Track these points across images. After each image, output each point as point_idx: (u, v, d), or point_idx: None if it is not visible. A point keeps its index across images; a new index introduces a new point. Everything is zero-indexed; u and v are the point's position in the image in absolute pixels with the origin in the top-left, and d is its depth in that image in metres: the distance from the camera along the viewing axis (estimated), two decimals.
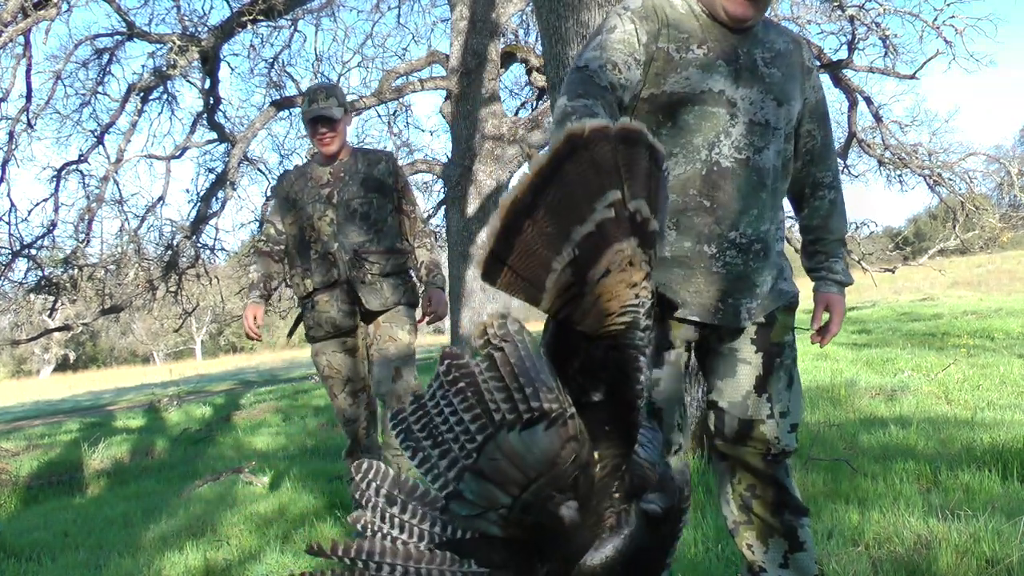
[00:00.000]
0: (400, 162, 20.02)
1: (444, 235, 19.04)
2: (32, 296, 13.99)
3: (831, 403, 7.80)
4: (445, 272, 9.46)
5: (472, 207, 15.62)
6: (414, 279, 5.39)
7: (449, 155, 16.40)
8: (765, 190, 2.78)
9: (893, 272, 18.76)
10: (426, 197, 22.25)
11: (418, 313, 5.30)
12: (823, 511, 4.40)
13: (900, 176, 16.71)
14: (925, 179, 16.51)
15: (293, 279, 5.29)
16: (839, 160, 17.93)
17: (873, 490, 4.68)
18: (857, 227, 17.66)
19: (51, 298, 13.90)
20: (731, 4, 2.70)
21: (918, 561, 3.56)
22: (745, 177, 2.75)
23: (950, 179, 16.67)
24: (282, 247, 5.36)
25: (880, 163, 16.62)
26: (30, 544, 6.38)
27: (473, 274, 15.60)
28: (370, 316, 5.16)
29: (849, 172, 17.61)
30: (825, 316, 3.07)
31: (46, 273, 13.73)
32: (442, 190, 19.69)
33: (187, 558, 5.03)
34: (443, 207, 19.31)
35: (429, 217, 21.81)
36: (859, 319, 18.77)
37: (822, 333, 3.06)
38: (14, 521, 7.88)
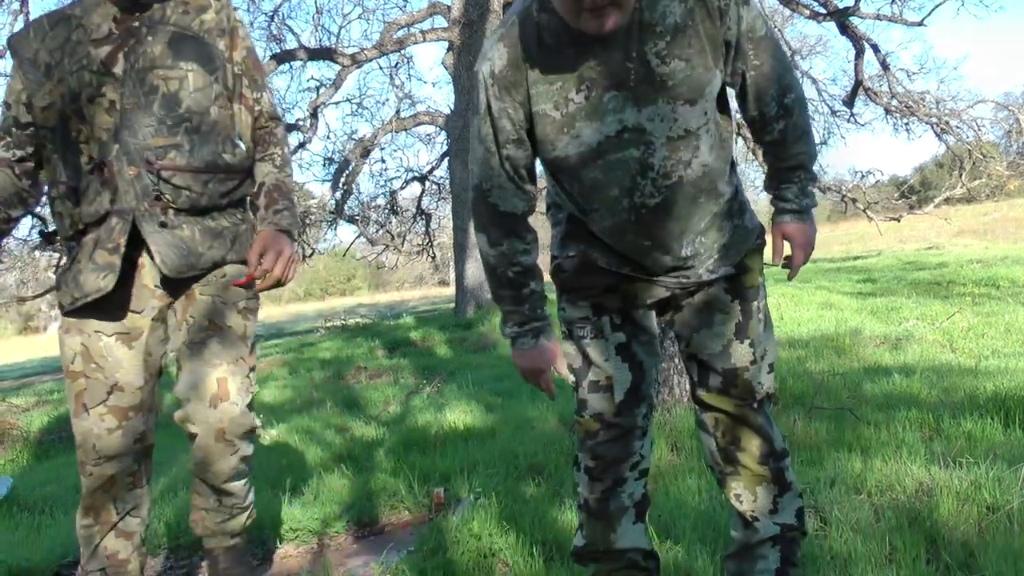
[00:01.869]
0: (403, 115, 20.05)
1: (448, 187, 19.06)
2: (37, 253, 14.00)
3: (835, 352, 7.81)
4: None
5: None
6: (251, 219, 3.33)
7: (452, 107, 16.36)
8: (707, 192, 2.62)
9: (899, 221, 18.78)
10: (429, 149, 22.20)
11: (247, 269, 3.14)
12: (826, 459, 4.42)
13: (907, 124, 16.67)
14: (932, 127, 16.46)
15: (55, 205, 3.15)
16: (846, 108, 17.99)
17: (876, 438, 4.70)
18: (863, 176, 17.63)
19: (55, 255, 13.91)
20: (585, 24, 2.30)
21: (919, 508, 3.59)
22: (681, 199, 2.58)
23: (957, 127, 16.63)
24: (30, 149, 3.21)
25: (887, 111, 16.57)
26: (42, 498, 6.44)
27: None
28: (176, 285, 3.13)
29: (855, 120, 17.56)
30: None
31: (50, 229, 13.73)
32: (445, 142, 19.68)
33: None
34: (446, 159, 19.30)
35: (432, 170, 21.79)
36: (864, 268, 18.75)
37: (788, 265, 2.84)
38: (26, 476, 7.94)
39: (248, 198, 3.32)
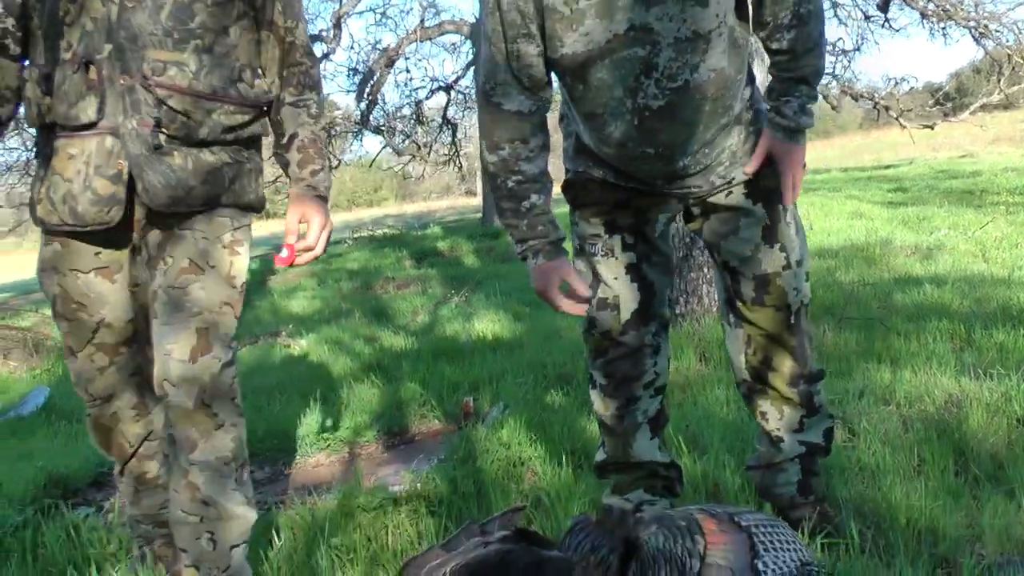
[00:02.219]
0: (427, 24, 19.86)
1: (474, 96, 18.92)
2: None
3: (865, 262, 7.77)
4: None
5: None
6: (258, 161, 2.86)
7: (476, 15, 16.15)
8: (714, 100, 2.53)
9: (932, 129, 18.50)
10: (454, 59, 22.02)
11: (286, 241, 2.75)
12: (855, 370, 4.42)
13: (944, 29, 16.32)
14: (970, 31, 16.11)
15: (25, 89, 2.68)
16: (881, 13, 17.65)
17: (906, 349, 4.69)
18: (896, 83, 17.38)
19: None
20: None
21: (948, 420, 3.58)
22: (686, 105, 2.50)
23: (997, 31, 16.26)
24: (10, 23, 2.64)
25: (923, 16, 16.24)
26: (79, 407, 6.49)
27: None
28: (160, 218, 2.66)
29: (890, 26, 17.23)
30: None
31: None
32: (470, 51, 19.49)
33: None
34: (471, 68, 19.13)
35: (457, 79, 21.66)
36: (895, 177, 18.59)
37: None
38: (62, 385, 8.03)
39: (259, 138, 2.85)
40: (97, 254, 2.67)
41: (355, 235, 19.58)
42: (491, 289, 9.38)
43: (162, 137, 2.55)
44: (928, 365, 4.31)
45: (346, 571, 2.99)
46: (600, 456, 3.04)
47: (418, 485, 3.56)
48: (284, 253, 2.69)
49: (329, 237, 2.79)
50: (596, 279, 2.79)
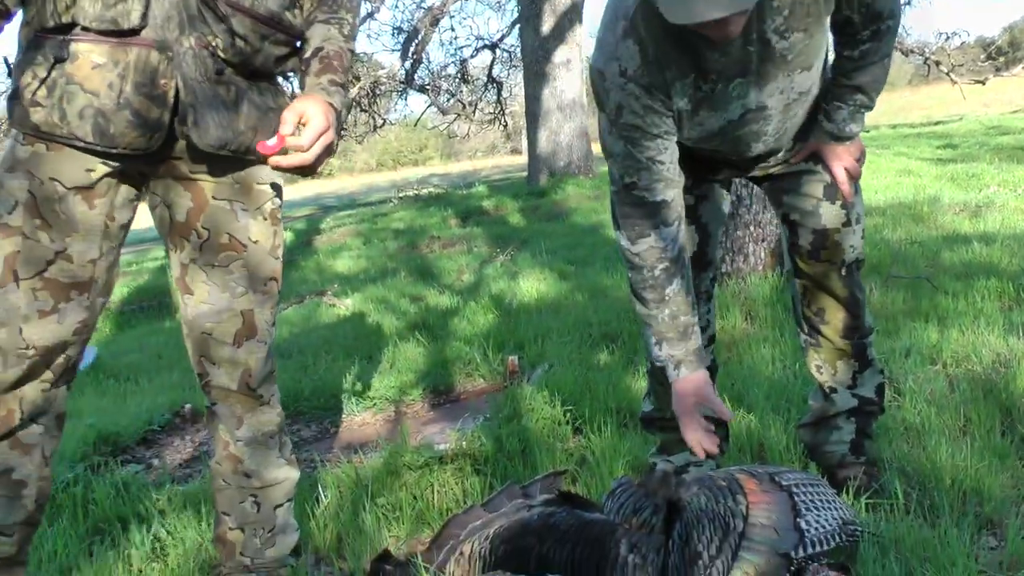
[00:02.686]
0: None
1: (519, 54, 18.85)
2: None
3: (913, 220, 7.69)
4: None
5: (547, 25, 15.39)
6: (286, 105, 2.48)
7: None
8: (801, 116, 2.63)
9: (983, 84, 18.20)
10: (499, 17, 21.88)
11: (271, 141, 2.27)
12: (902, 329, 4.39)
13: None
14: None
15: None
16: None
17: (953, 308, 4.65)
18: (947, 38, 17.11)
19: None
20: (710, 33, 2.20)
21: (995, 380, 3.55)
22: (783, 138, 2.64)
23: None
24: None
25: None
26: (127, 366, 6.62)
27: (549, 92, 15.47)
28: (194, 158, 2.38)
29: None
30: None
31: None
32: (516, 8, 19.39)
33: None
34: (517, 25, 19.03)
35: (502, 38, 21.56)
36: (945, 133, 18.34)
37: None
38: (110, 345, 8.15)
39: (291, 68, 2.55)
40: (89, 170, 2.25)
41: (400, 194, 19.60)
42: (536, 248, 9.37)
43: (227, 70, 2.30)
44: (976, 324, 4.28)
45: (392, 529, 3.03)
46: (647, 407, 3.06)
47: (463, 444, 3.59)
48: (272, 141, 2.25)
49: (329, 152, 2.33)
50: None
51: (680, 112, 2.46)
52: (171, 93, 2.21)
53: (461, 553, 2.56)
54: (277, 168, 2.32)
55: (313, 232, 15.34)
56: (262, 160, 2.32)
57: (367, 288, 8.48)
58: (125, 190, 2.36)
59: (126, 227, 2.41)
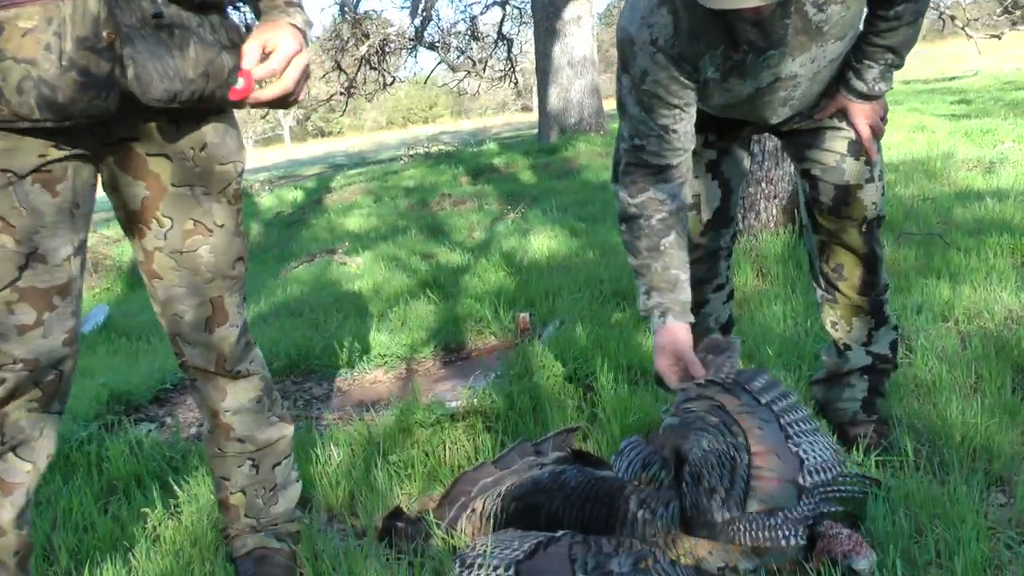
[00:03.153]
0: None
1: (529, 11, 18.74)
2: None
3: (926, 176, 7.66)
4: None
5: None
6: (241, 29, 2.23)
7: None
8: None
9: (999, 39, 18.05)
10: None
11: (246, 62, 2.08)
12: (913, 286, 4.38)
13: None
14: None
15: None
16: None
17: (965, 265, 4.63)
18: None
19: None
20: (745, 15, 2.18)
21: (1007, 336, 3.54)
22: (809, 102, 2.64)
23: None
24: None
25: None
26: (139, 325, 6.64)
27: (560, 49, 15.40)
28: (132, 118, 2.08)
29: None
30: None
31: None
32: None
33: (287, 336, 5.18)
34: None
35: (511, 3, 21.42)
36: (959, 89, 18.20)
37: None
38: (122, 304, 8.17)
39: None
40: (41, 156, 1.95)
41: (411, 152, 19.56)
42: (547, 205, 9.36)
43: (158, 5, 1.95)
44: (988, 281, 4.27)
45: (404, 486, 3.04)
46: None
47: (475, 401, 3.59)
48: (239, 84, 2.05)
49: (305, 76, 2.13)
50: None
51: (708, 81, 2.44)
52: (118, 43, 1.88)
53: (473, 510, 2.58)
54: (257, 105, 2.14)
55: (323, 190, 15.33)
56: (222, 108, 2.18)
57: (378, 246, 8.48)
58: (86, 172, 2.07)
59: (89, 216, 2.13)
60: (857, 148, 2.69)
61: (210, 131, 2.20)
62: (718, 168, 2.81)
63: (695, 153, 2.74)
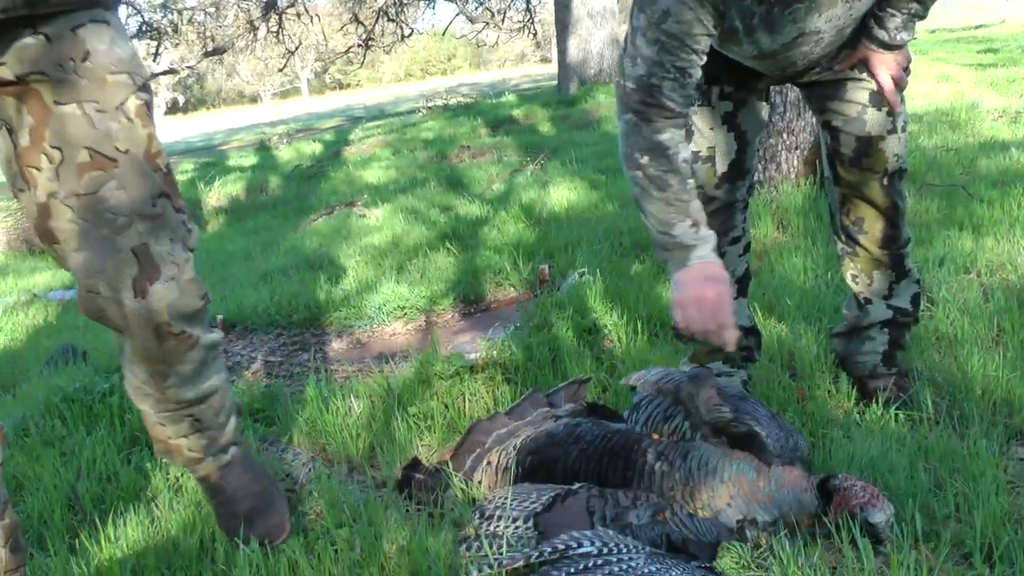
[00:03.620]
0: None
1: None
2: (135, 42, 14.20)
3: (950, 127, 7.58)
4: None
5: None
6: None
7: None
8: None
9: None
10: None
11: None
12: (935, 238, 4.35)
13: None
14: None
15: None
16: None
17: (989, 216, 4.60)
18: None
19: (154, 43, 14.00)
20: None
21: None
22: (830, 54, 2.58)
23: None
24: None
25: None
26: None
27: (579, 0, 15.29)
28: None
29: None
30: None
31: (146, 18, 13.83)
32: None
33: (307, 289, 5.19)
34: None
35: None
36: (986, 38, 17.98)
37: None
38: None
39: None
40: None
41: (429, 104, 19.51)
42: (567, 156, 9.32)
43: None
44: (1011, 233, 4.23)
45: (423, 438, 3.05)
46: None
47: (494, 353, 3.60)
48: (103, 30, 1.98)
49: None
50: (688, 131, 2.67)
51: (731, 31, 2.40)
52: None
53: (488, 463, 2.58)
54: None
55: (342, 143, 15.32)
56: (94, 3, 1.92)
57: (397, 198, 8.48)
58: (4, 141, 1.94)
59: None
60: (879, 99, 2.64)
61: (91, 37, 1.91)
62: (734, 120, 2.77)
63: (710, 105, 2.72)
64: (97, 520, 2.62)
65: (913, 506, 2.14)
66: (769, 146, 5.46)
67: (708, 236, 2.45)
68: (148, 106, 2.03)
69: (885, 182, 2.72)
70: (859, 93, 2.66)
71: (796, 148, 5.45)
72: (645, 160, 2.42)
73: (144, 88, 2.02)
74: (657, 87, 2.37)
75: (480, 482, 2.57)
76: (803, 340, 3.25)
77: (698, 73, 2.40)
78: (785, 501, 2.14)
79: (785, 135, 5.45)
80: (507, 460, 2.54)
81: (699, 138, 2.78)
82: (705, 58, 2.40)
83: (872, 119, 2.66)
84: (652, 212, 2.46)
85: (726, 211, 2.85)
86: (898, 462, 2.35)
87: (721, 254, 2.74)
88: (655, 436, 2.38)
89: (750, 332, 3.01)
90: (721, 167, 2.80)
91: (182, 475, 2.89)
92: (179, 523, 2.56)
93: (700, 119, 2.78)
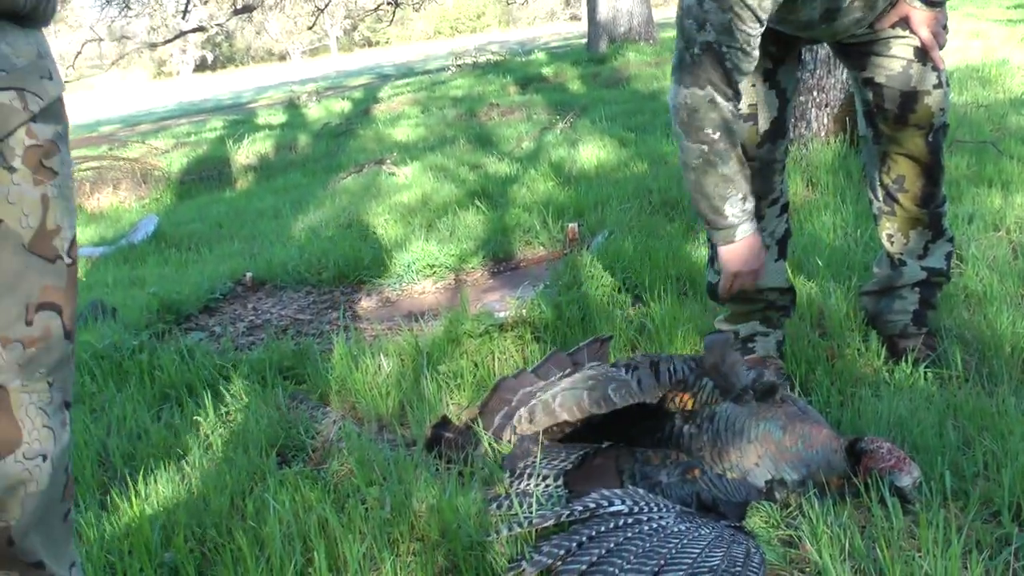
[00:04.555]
0: None
1: None
2: None
3: (980, 83, 7.51)
4: None
5: None
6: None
7: None
8: None
9: None
10: None
11: None
12: (964, 195, 4.32)
13: None
14: None
15: None
16: None
17: (1018, 173, 4.56)
18: None
19: (183, 0, 14.03)
20: None
21: None
22: (873, 16, 2.55)
23: None
24: None
25: None
26: (188, 235, 6.71)
27: None
28: None
29: None
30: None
31: None
32: None
33: (336, 247, 5.21)
34: None
35: None
36: None
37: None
38: (171, 214, 8.24)
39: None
40: None
41: (458, 62, 19.44)
42: (596, 115, 9.29)
43: None
44: None
45: (453, 396, 3.07)
46: (712, 277, 2.94)
47: (523, 311, 3.61)
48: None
49: None
50: None
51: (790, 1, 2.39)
52: None
53: (519, 418, 2.59)
54: None
55: (371, 101, 15.30)
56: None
57: (426, 156, 8.48)
58: None
59: None
60: (923, 54, 2.62)
61: None
62: (774, 77, 2.75)
63: None
64: (127, 477, 2.66)
65: (942, 464, 2.14)
66: (799, 103, 5.42)
67: (752, 209, 2.52)
68: (54, 148, 1.32)
69: (930, 138, 2.70)
70: (903, 48, 2.63)
71: (826, 106, 5.41)
72: (717, 136, 2.44)
73: (50, 117, 1.32)
74: (727, 56, 2.37)
75: (509, 441, 2.59)
76: (833, 298, 3.25)
77: (757, 44, 2.39)
78: (813, 460, 2.15)
79: (815, 92, 5.41)
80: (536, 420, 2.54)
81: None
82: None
83: (917, 73, 2.64)
84: (707, 185, 2.49)
85: (766, 171, 2.82)
86: (927, 420, 2.35)
87: (760, 216, 2.79)
88: (683, 396, 2.39)
89: (786, 291, 2.99)
90: (763, 124, 2.77)
91: (212, 432, 2.92)
92: (209, 480, 2.59)
93: None
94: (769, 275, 2.86)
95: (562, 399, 2.49)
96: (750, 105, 2.74)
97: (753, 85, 2.73)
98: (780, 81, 2.76)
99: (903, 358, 2.78)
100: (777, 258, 2.92)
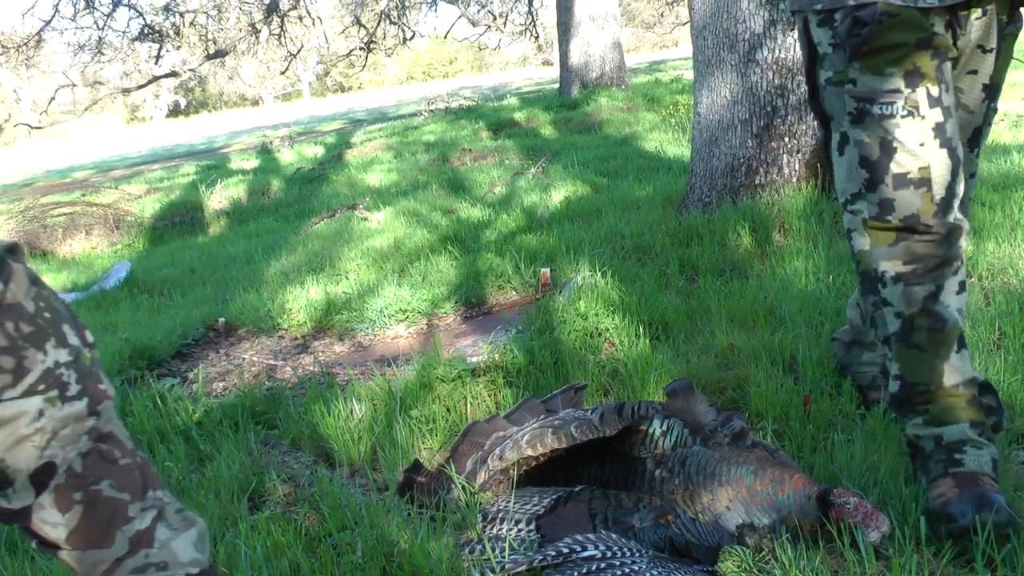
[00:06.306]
0: None
1: None
2: (137, 44, 14.26)
3: None
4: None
5: None
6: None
7: None
8: None
9: None
10: None
11: None
12: None
13: None
14: None
15: None
16: None
17: (989, 220, 4.60)
18: None
19: (156, 45, 14.06)
20: None
21: None
22: None
23: None
24: None
25: None
26: (160, 280, 6.68)
27: (581, 3, 15.32)
28: None
29: None
30: None
31: (148, 21, 13.89)
32: None
33: (308, 292, 5.20)
34: None
35: None
36: None
37: None
38: (143, 259, 8.21)
39: None
40: None
41: (431, 107, 19.52)
42: (568, 160, 9.34)
43: None
44: (1012, 236, 4.23)
45: (425, 441, 3.06)
46: (895, 387, 2.41)
47: (496, 356, 3.60)
48: None
49: None
50: (889, 149, 2.26)
51: None
52: None
53: (493, 457, 2.58)
54: None
55: (344, 146, 15.33)
56: None
57: (398, 201, 8.49)
58: None
59: None
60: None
61: None
62: (945, 131, 2.32)
63: (917, 113, 2.30)
64: None
65: (915, 510, 2.14)
66: (771, 149, 5.46)
67: None
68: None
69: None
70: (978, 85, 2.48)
71: (798, 151, 5.45)
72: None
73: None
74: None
75: (482, 484, 2.58)
76: (804, 343, 3.25)
77: None
78: (784, 504, 2.14)
79: (787, 139, 5.45)
80: (509, 468, 2.54)
81: (905, 157, 2.25)
82: None
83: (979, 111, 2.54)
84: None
85: (945, 243, 2.32)
86: (899, 465, 2.35)
87: (941, 290, 2.36)
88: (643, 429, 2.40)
89: (985, 388, 2.44)
90: (939, 191, 2.28)
91: (184, 478, 2.89)
92: None
93: (907, 133, 2.24)
94: (956, 365, 2.38)
95: (530, 436, 2.49)
96: (921, 168, 2.28)
97: (922, 144, 2.27)
98: (952, 136, 2.36)
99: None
100: (959, 349, 2.39)
